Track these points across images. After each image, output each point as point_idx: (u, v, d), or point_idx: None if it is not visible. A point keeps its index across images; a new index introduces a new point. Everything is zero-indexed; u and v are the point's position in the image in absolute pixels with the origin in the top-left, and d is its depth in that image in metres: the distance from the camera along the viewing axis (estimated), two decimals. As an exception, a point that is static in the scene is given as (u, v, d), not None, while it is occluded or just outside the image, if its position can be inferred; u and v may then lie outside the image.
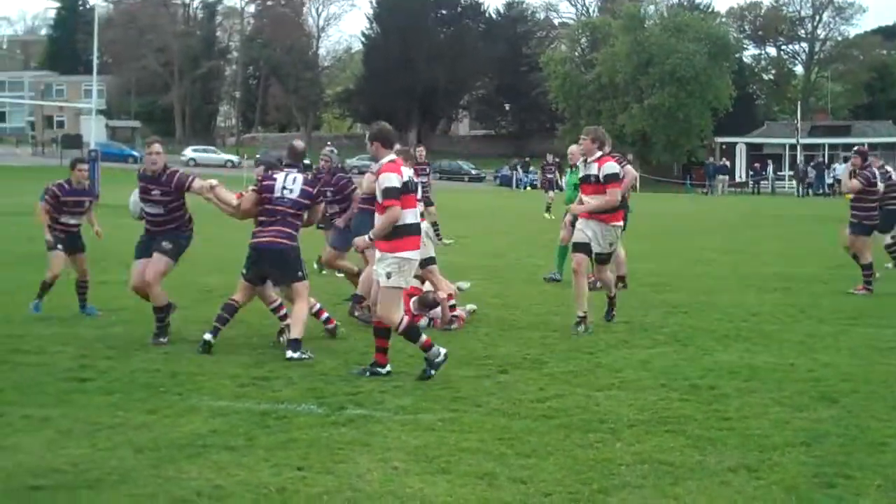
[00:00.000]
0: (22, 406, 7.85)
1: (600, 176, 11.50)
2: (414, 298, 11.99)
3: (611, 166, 11.61)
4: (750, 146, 75.59)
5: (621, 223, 12.02)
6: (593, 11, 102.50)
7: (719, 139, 76.78)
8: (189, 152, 78.29)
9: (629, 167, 15.44)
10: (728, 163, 70.89)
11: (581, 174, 11.98)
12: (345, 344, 10.67)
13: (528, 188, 65.05)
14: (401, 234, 8.89)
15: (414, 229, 9.03)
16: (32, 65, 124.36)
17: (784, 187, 69.35)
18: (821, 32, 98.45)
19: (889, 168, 19.33)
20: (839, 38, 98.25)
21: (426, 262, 12.03)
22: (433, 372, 8.85)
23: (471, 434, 7.16)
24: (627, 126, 76.30)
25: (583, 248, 11.69)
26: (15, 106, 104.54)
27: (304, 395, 8.38)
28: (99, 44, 53.33)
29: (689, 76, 74.04)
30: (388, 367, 9.08)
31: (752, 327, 12.06)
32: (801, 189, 66.32)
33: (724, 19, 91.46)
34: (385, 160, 9.05)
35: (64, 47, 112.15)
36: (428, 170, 23.54)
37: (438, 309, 11.87)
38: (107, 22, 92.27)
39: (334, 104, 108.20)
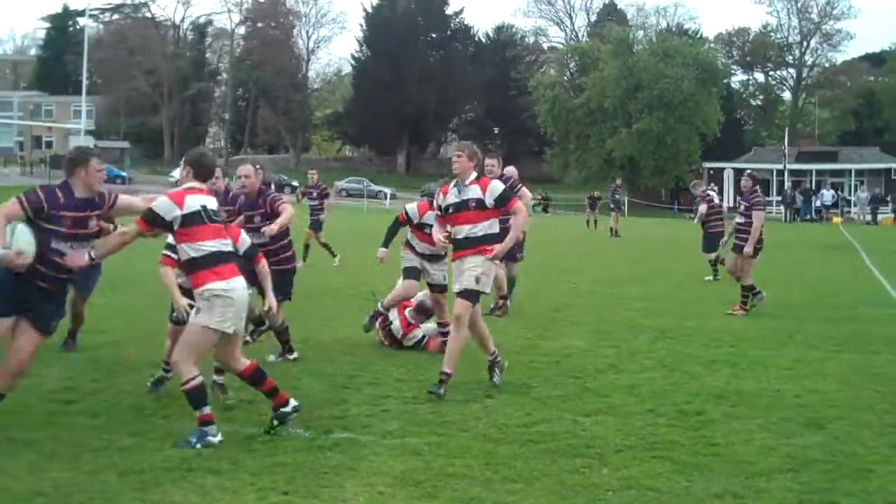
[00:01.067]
0: (6, 429, 7.79)
1: (486, 200, 9.51)
2: (409, 309, 11.96)
3: (498, 185, 9.73)
4: (738, 171, 75.74)
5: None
6: (582, 36, 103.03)
7: (707, 164, 77.05)
8: (177, 173, 78.12)
9: (524, 189, 14.36)
10: (716, 188, 70.94)
11: (451, 201, 9.71)
12: (331, 366, 10.64)
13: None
14: (200, 266, 7.55)
15: (219, 259, 7.63)
16: (22, 85, 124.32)
17: (771, 213, 69.47)
18: (808, 59, 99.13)
19: (711, 192, 20.21)
20: (826, 65, 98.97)
21: (438, 289, 11.82)
22: (276, 424, 7.80)
23: (457, 459, 7.14)
24: (616, 150, 76.58)
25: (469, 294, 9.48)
26: (4, 126, 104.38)
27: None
28: (88, 64, 53.53)
29: (677, 101, 74.37)
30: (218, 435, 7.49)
31: (739, 353, 12.05)
32: (788, 214, 66.55)
33: (712, 45, 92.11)
34: (184, 186, 7.94)
35: (53, 67, 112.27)
36: (315, 193, 23.44)
37: (434, 325, 11.84)
38: (96, 42, 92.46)
39: (323, 126, 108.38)
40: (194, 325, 7.49)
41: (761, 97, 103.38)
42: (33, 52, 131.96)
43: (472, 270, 9.41)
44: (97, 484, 6.47)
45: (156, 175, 76.68)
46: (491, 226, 9.58)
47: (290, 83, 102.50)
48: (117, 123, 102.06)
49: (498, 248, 9.45)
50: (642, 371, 10.80)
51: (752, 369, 10.99)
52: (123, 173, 76.32)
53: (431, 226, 10.81)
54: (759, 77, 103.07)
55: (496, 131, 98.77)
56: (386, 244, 11.86)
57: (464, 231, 9.56)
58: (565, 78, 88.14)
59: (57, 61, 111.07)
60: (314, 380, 9.90)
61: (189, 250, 7.57)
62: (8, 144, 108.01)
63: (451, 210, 9.70)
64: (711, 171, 76.17)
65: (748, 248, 15.77)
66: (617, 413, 8.75)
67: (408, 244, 12.01)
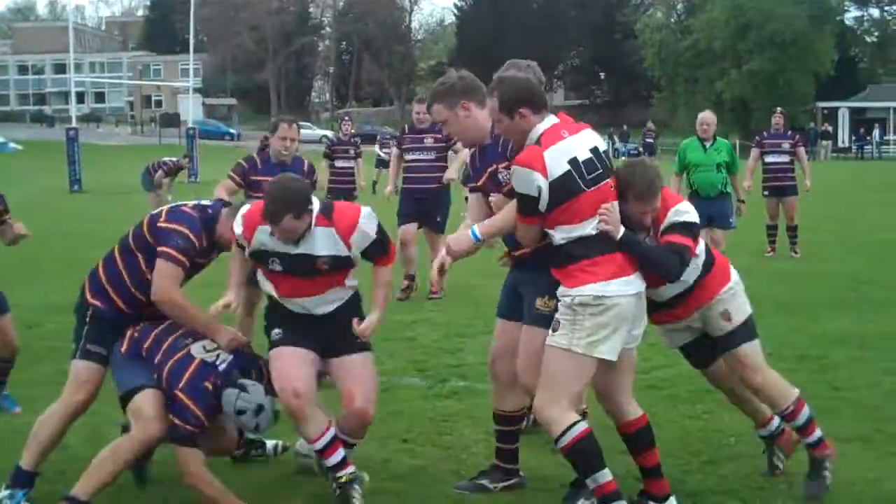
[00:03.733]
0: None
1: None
2: None
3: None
4: (853, 111, 73.85)
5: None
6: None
7: (821, 104, 75.20)
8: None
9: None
10: (830, 128, 69.37)
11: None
12: (446, 316, 10.64)
13: (626, 158, 64.38)
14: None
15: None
16: (131, 45, 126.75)
17: (889, 152, 67.67)
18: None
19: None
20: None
21: None
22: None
23: (576, 406, 7.08)
24: (726, 93, 75.18)
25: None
26: (114, 86, 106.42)
27: (406, 367, 8.37)
28: (195, 23, 54.06)
29: (789, 40, 72.62)
30: None
31: (862, 295, 11.69)
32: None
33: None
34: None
35: (160, 27, 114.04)
36: (352, 151, 17.11)
37: None
38: (202, 1, 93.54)
39: (428, 77, 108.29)
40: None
41: (876, 34, 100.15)
42: (141, 12, 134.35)
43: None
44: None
45: (263, 131, 77.56)
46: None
47: (394, 35, 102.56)
48: (224, 81, 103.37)
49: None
50: (761, 316, 10.48)
51: (875, 311, 10.71)
52: (232, 130, 77.43)
53: None
54: (875, 13, 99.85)
55: (602, 77, 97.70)
56: None
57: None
58: (672, 20, 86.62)
59: (164, 21, 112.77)
60: (428, 329, 9.92)
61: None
62: (119, 104, 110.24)
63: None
64: (826, 111, 74.37)
65: (810, 183, 15.48)
66: (737, 358, 8.62)
67: None
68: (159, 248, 5.39)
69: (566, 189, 4.76)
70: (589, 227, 4.81)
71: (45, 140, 65.03)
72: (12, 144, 60.68)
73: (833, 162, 62.11)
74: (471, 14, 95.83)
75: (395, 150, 12.78)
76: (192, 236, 5.44)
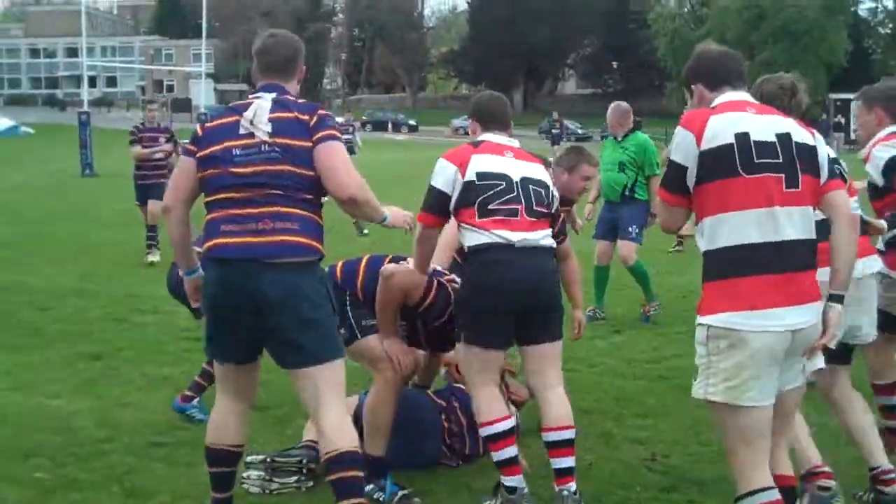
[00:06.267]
0: (141, 365, 7.99)
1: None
2: None
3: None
4: (866, 102, 73.61)
5: None
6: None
7: (833, 95, 74.95)
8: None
9: None
10: (843, 120, 69.11)
11: None
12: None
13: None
14: None
15: None
16: (142, 30, 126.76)
17: (902, 144, 67.42)
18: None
19: None
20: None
21: None
22: None
23: (587, 394, 7.08)
24: (738, 83, 75.02)
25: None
26: (125, 70, 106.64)
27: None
28: (207, 7, 54.07)
29: (801, 31, 72.34)
30: None
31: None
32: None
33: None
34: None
35: (173, 12, 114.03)
36: (162, 139, 15.73)
37: None
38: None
39: (439, 65, 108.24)
40: None
41: (890, 25, 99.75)
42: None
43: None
44: (231, 418, 6.57)
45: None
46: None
47: (406, 22, 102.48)
48: (236, 66, 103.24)
49: None
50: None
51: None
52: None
53: None
54: (889, 4, 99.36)
55: (614, 66, 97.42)
56: None
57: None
58: (685, 10, 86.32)
59: (175, 5, 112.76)
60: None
61: None
62: (130, 89, 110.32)
63: None
64: (838, 103, 74.14)
65: None
66: (748, 348, 8.59)
67: None
68: None
69: (719, 165, 3.91)
70: (745, 229, 3.87)
71: (57, 124, 65.03)
72: (24, 128, 60.73)
73: (845, 154, 61.91)
74: (483, 2, 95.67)
75: None
76: None
